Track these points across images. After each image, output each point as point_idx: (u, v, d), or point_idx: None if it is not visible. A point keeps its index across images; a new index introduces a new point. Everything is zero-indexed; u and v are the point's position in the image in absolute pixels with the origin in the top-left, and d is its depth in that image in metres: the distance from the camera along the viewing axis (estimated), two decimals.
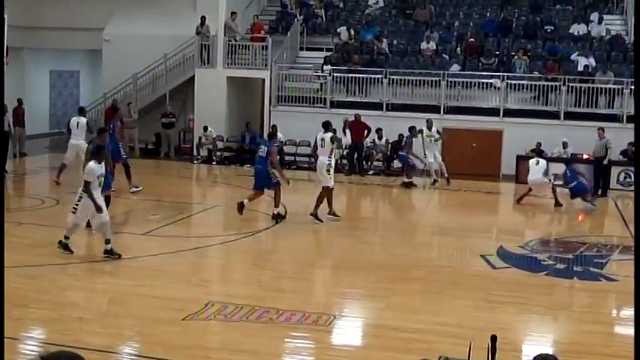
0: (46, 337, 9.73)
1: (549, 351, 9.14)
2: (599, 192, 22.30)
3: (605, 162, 22.55)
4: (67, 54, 34.02)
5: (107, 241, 13.06)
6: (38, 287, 11.35)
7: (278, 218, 16.99)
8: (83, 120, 20.93)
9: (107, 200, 15.10)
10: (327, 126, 17.64)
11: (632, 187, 22.49)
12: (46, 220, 16.39)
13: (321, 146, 17.21)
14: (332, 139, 17.14)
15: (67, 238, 13.20)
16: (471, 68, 27.13)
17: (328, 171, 17.05)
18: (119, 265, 13.29)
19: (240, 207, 16.85)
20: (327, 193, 17.11)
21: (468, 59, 27.54)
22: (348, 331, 10.51)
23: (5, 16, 17.67)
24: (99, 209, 12.82)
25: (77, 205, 13.03)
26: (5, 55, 18.07)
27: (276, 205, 17.05)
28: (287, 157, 26.45)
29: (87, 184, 12.68)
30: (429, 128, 23.55)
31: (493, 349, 5.48)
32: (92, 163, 12.88)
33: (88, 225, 14.28)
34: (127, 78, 29.49)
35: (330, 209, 17.21)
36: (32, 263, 12.47)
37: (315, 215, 16.89)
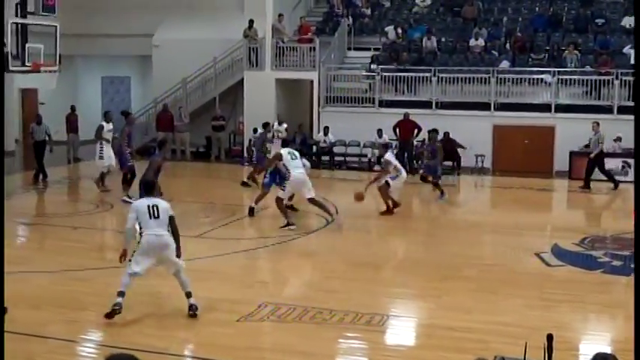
0: (102, 339, 9.85)
1: (607, 350, 9.01)
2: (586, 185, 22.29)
3: (592, 155, 22.31)
4: (118, 60, 34.40)
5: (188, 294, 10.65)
6: (93, 290, 11.48)
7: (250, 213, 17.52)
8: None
9: None
10: None
11: None
12: (100, 224, 16.58)
13: (292, 159, 16.95)
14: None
15: (189, 295, 10.65)
16: (521, 64, 26.89)
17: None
18: None
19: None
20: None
21: (517, 56, 27.26)
22: (401, 331, 10.48)
23: (57, 25, 17.91)
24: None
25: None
26: (57, 62, 18.30)
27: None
28: (337, 158, 26.48)
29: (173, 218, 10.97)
30: (280, 123, 23.49)
31: (549, 349, 5.43)
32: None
33: None
34: (177, 82, 29.74)
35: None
36: (87, 267, 12.62)
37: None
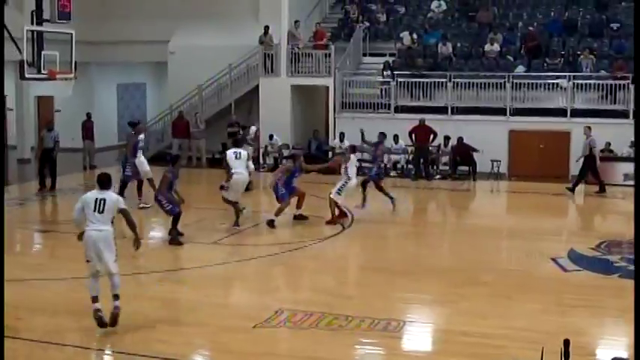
0: (118, 346, 9.87)
1: (624, 355, 8.97)
2: (601, 189, 22.30)
3: (598, 163, 22.34)
4: (134, 67, 34.52)
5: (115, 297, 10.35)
6: (108, 297, 11.50)
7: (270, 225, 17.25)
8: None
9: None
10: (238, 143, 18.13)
11: None
12: (116, 231, 16.59)
13: (236, 158, 17.15)
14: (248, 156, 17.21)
15: (116, 297, 10.35)
16: (537, 69, 26.82)
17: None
18: (188, 274, 13.44)
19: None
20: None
21: (532, 61, 27.19)
22: (418, 336, 10.47)
23: (73, 32, 17.98)
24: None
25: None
26: (73, 70, 18.37)
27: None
28: None
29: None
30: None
31: (566, 354, 5.41)
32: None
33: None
34: (193, 89, 29.79)
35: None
36: (102, 274, 12.65)
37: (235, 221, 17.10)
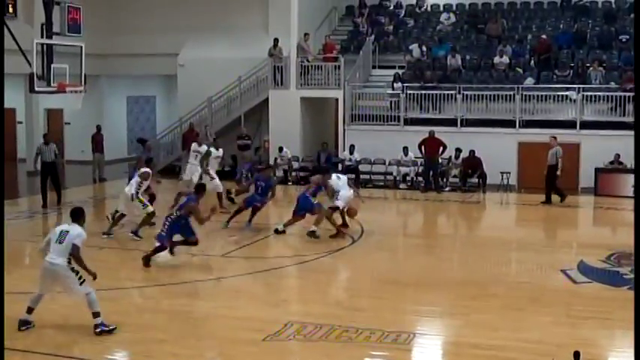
0: (129, 359, 9.88)
1: None
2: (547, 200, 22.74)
3: (558, 172, 22.70)
4: (143, 80, 34.63)
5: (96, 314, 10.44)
6: (119, 310, 11.51)
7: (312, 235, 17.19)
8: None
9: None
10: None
11: None
12: (125, 244, 16.63)
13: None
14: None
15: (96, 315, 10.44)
16: (546, 81, 26.82)
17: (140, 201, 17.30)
18: (198, 287, 13.44)
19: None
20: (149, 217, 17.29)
21: (541, 73, 27.19)
22: (428, 349, 10.44)
23: (83, 45, 18.01)
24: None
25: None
26: (83, 82, 18.39)
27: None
28: (362, 176, 26.44)
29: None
30: (199, 145, 22.65)
31: None
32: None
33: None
34: (202, 101, 29.86)
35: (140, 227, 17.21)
36: (113, 286, 12.67)
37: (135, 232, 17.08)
